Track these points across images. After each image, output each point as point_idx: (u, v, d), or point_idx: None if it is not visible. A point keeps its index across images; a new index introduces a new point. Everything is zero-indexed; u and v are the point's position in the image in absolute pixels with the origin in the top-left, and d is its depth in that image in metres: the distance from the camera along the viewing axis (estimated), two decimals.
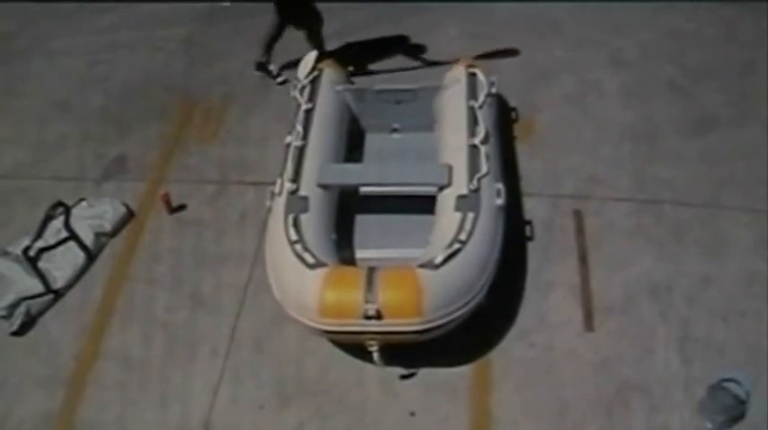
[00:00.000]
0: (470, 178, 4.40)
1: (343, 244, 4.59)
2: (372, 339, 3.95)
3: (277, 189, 4.54)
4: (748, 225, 4.94)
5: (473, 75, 5.14)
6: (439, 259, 3.97)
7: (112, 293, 4.90)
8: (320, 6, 6.01)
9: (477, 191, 4.35)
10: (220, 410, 4.27)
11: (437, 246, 4.09)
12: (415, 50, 6.42)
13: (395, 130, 5.47)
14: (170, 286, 4.91)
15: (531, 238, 4.95)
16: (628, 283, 4.67)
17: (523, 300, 4.63)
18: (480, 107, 4.89)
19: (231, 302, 4.76)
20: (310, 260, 4.03)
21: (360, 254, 4.62)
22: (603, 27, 6.64)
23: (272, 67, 6.27)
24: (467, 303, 4.01)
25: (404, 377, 4.29)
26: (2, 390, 4.46)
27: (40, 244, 5.01)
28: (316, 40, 6.04)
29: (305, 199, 4.43)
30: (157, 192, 5.35)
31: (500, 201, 4.40)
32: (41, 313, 4.81)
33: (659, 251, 4.84)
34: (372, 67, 6.33)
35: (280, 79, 6.26)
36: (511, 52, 6.27)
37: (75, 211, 5.22)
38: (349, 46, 6.53)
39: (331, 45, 6.23)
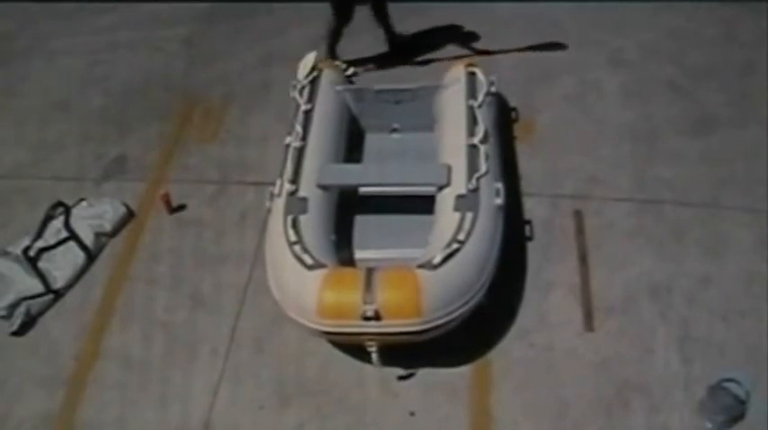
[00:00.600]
0: (469, 178, 4.39)
1: (342, 244, 4.59)
2: (371, 340, 3.95)
3: (276, 190, 4.54)
4: (748, 225, 4.94)
5: (472, 74, 5.14)
6: (437, 259, 3.96)
7: (112, 293, 4.90)
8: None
9: (476, 190, 4.34)
10: (220, 410, 4.27)
11: (436, 246, 4.09)
12: (469, 38, 6.44)
13: (394, 130, 5.46)
14: (170, 286, 4.91)
15: (530, 238, 4.95)
16: (628, 283, 4.67)
17: (523, 300, 4.62)
18: (479, 106, 4.88)
19: (231, 302, 4.76)
20: (309, 261, 4.03)
21: (359, 254, 4.61)
22: (603, 27, 6.64)
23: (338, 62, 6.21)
24: (466, 303, 4.00)
25: (403, 377, 4.29)
26: (2, 390, 4.47)
27: (40, 244, 5.01)
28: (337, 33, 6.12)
29: (304, 200, 4.42)
30: (157, 192, 5.35)
31: (499, 201, 4.40)
32: (41, 313, 4.81)
33: (659, 251, 4.83)
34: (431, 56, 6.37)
35: (349, 72, 6.24)
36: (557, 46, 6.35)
37: (75, 211, 5.22)
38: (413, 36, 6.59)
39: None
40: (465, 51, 6.26)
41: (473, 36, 6.49)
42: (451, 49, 6.35)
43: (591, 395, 4.18)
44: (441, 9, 6.87)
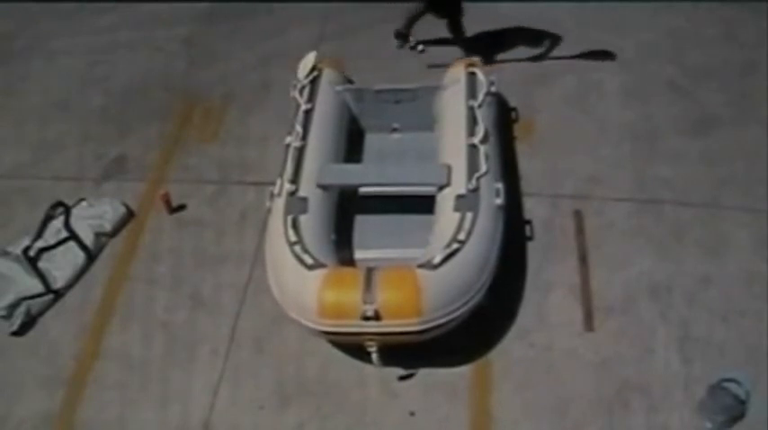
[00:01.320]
0: (469, 178, 4.39)
1: (342, 244, 4.59)
2: (371, 340, 3.95)
3: (276, 190, 4.54)
4: (748, 225, 4.94)
5: (472, 74, 5.14)
6: (437, 259, 3.96)
7: (112, 293, 4.90)
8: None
9: (476, 190, 4.34)
10: (220, 410, 4.27)
11: (436, 246, 4.08)
12: (544, 38, 6.47)
13: (394, 130, 5.46)
14: (170, 286, 4.91)
15: (531, 238, 4.95)
16: (628, 283, 4.67)
17: (523, 300, 4.62)
18: (479, 106, 4.88)
19: (231, 302, 4.76)
20: (309, 261, 4.03)
21: (359, 254, 4.61)
22: (603, 27, 6.64)
23: (412, 39, 6.46)
24: (466, 303, 4.00)
25: (403, 377, 4.30)
26: (2, 390, 4.46)
27: (40, 244, 5.00)
28: (458, 30, 6.20)
29: (304, 199, 4.42)
30: (157, 192, 5.35)
31: (499, 201, 4.40)
32: (41, 313, 4.81)
33: (659, 251, 4.84)
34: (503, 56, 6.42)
35: (420, 47, 6.48)
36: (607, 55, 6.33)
37: (75, 211, 5.22)
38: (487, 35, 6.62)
39: (330, 47, 6.23)
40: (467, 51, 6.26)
41: (475, 36, 6.49)
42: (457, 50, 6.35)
43: (591, 395, 4.18)
44: None
